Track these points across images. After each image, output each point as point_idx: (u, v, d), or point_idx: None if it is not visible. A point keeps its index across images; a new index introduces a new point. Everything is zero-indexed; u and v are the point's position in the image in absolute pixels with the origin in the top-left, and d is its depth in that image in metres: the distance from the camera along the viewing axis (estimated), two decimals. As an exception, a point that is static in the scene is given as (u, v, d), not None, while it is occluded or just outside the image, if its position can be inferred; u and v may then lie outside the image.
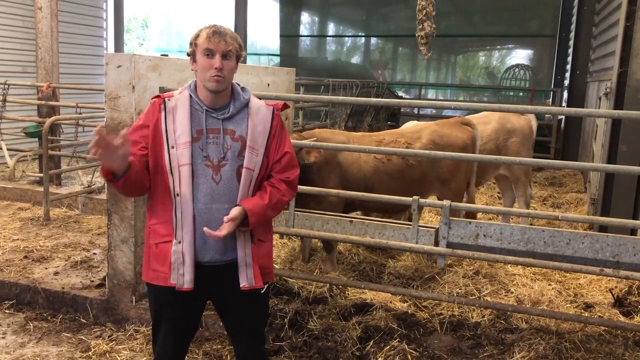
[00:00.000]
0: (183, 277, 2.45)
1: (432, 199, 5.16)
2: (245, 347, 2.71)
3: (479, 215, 6.82)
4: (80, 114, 7.73)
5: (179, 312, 2.60)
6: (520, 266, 4.92)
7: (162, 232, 2.50)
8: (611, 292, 4.56)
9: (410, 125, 5.82)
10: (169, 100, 2.49)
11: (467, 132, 5.30)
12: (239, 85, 2.60)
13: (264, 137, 2.53)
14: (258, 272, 2.51)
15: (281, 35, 17.05)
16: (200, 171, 2.44)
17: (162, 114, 2.47)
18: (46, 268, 4.84)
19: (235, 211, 2.41)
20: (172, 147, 2.43)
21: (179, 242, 2.45)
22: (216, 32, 2.42)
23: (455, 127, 5.30)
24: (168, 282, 2.46)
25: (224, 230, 2.38)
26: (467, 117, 5.92)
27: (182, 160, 2.42)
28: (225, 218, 2.38)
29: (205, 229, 2.37)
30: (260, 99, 2.68)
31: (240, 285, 2.49)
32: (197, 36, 2.46)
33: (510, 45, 15.58)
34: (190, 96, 2.51)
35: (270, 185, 2.55)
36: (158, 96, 2.55)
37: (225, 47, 2.42)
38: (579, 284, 4.87)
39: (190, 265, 2.44)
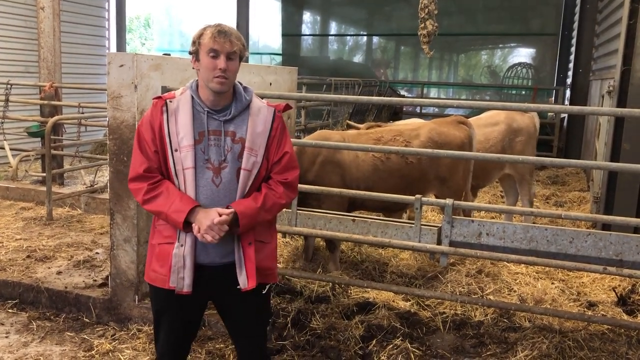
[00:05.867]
0: (183, 281, 2.43)
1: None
2: (247, 348, 2.70)
3: (482, 214, 6.81)
4: (82, 113, 7.74)
5: (179, 313, 2.59)
6: (523, 265, 4.92)
7: (165, 233, 2.49)
8: (614, 291, 4.55)
9: (406, 122, 5.77)
10: (170, 101, 2.45)
11: (464, 131, 5.30)
12: (241, 84, 2.54)
13: (264, 138, 2.48)
14: (253, 273, 2.47)
15: (283, 35, 17.05)
16: (201, 174, 2.41)
17: (164, 116, 2.43)
18: (49, 267, 4.85)
19: (225, 214, 2.36)
20: (176, 150, 2.40)
21: (181, 246, 2.43)
22: (221, 32, 2.37)
23: (453, 126, 5.31)
24: (167, 285, 2.45)
25: (208, 236, 2.34)
26: (465, 117, 5.90)
27: (186, 164, 2.40)
28: (215, 220, 2.33)
29: (197, 234, 2.37)
30: (262, 98, 2.64)
31: (238, 286, 2.46)
32: (200, 35, 2.40)
33: (512, 44, 15.55)
34: (192, 97, 2.47)
35: (267, 188, 2.50)
36: (159, 97, 2.50)
37: (230, 48, 2.37)
38: (582, 282, 4.87)
39: (190, 268, 2.43)
